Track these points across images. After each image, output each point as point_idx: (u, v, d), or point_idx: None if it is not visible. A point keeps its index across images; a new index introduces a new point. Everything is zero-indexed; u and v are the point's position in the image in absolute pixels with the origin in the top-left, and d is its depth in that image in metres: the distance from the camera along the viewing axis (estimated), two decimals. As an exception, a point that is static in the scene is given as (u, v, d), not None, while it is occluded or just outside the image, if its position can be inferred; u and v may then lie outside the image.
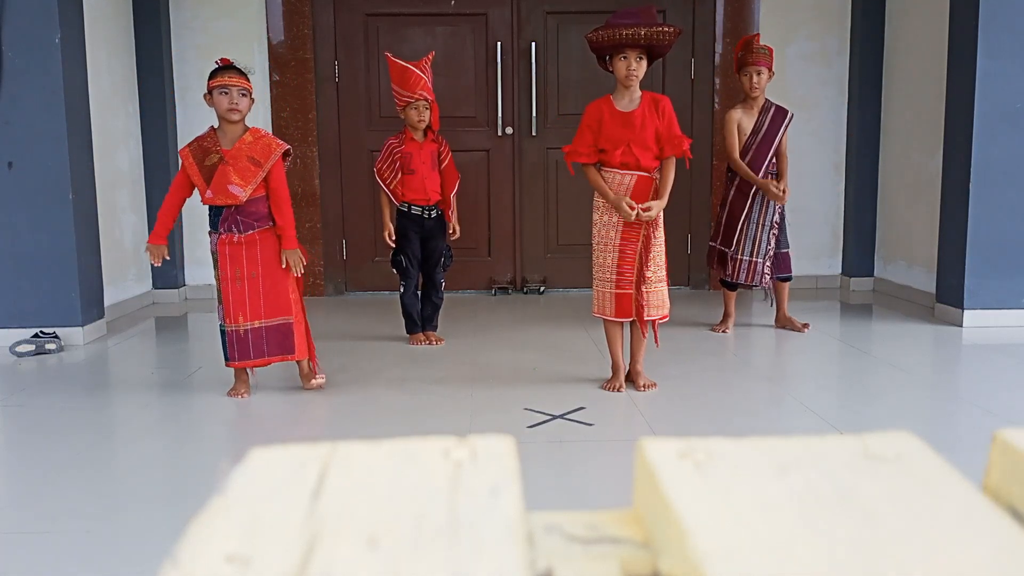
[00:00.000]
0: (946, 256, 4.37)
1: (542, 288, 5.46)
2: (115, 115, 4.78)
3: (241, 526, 0.37)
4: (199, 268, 5.38)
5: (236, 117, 2.94)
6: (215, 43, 5.20)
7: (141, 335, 4.38)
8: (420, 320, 3.98)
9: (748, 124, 4.02)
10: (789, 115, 4.04)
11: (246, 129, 2.99)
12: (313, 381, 3.14)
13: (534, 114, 5.38)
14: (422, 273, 3.99)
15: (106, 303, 4.39)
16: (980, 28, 4.03)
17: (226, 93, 2.92)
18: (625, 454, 2.45)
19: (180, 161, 3.02)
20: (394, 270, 3.97)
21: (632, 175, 3.02)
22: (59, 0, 3.84)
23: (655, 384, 3.16)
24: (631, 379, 3.21)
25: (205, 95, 2.99)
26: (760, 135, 3.99)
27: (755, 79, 3.93)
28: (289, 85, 5.25)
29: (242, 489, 0.40)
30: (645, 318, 3.07)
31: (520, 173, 5.45)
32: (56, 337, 3.88)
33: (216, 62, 3.02)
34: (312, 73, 5.25)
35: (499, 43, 5.31)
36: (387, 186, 3.84)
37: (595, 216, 3.09)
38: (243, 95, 2.94)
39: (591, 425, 2.76)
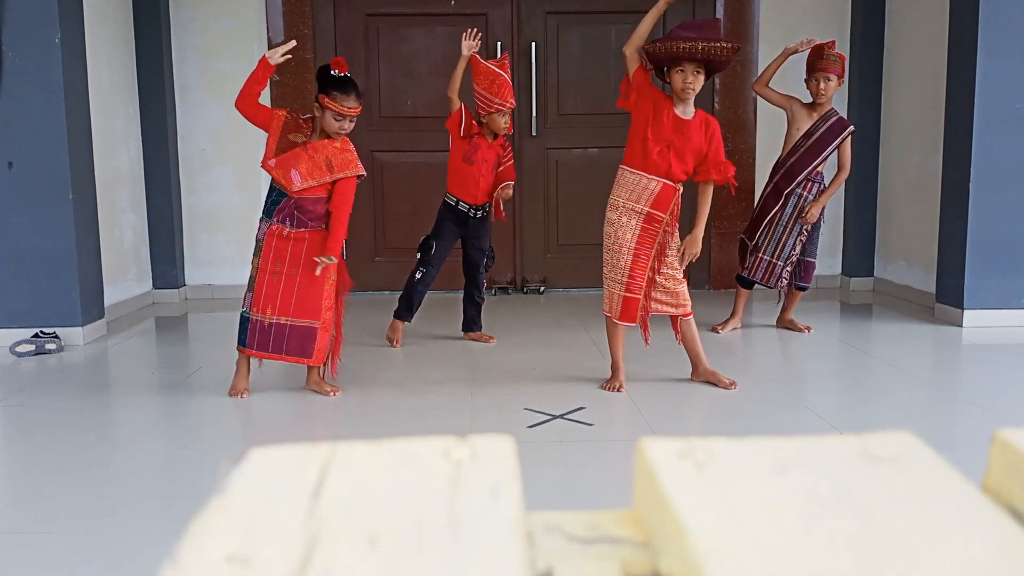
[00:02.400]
0: (946, 256, 4.37)
1: (542, 288, 5.46)
2: (115, 115, 4.78)
3: (241, 526, 0.37)
4: (199, 268, 5.38)
5: (340, 137, 2.96)
6: (215, 43, 5.21)
7: (141, 335, 4.38)
8: (413, 311, 3.94)
9: (804, 124, 4.00)
10: (848, 128, 3.98)
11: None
12: (330, 394, 3.11)
13: (534, 114, 5.37)
14: (465, 276, 4.02)
15: (106, 303, 4.39)
16: (980, 28, 4.03)
17: (340, 119, 2.90)
18: (625, 454, 2.44)
19: (270, 123, 2.95)
20: (418, 253, 3.90)
21: (659, 182, 3.02)
22: (59, 0, 3.84)
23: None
24: (710, 381, 3.17)
25: (315, 103, 2.93)
26: (812, 139, 3.97)
27: (822, 85, 3.91)
28: (289, 85, 5.24)
29: (242, 489, 0.40)
30: (652, 314, 3.09)
31: (520, 173, 5.43)
32: (56, 337, 3.88)
33: (333, 69, 2.93)
34: (312, 73, 5.24)
35: (499, 43, 5.30)
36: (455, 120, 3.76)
37: (611, 215, 3.07)
38: (352, 121, 2.94)
39: (591, 425, 2.76)
